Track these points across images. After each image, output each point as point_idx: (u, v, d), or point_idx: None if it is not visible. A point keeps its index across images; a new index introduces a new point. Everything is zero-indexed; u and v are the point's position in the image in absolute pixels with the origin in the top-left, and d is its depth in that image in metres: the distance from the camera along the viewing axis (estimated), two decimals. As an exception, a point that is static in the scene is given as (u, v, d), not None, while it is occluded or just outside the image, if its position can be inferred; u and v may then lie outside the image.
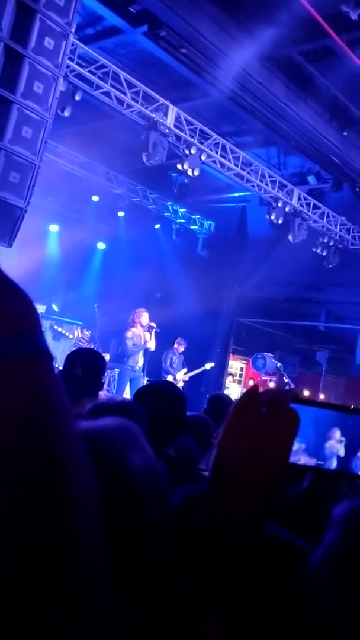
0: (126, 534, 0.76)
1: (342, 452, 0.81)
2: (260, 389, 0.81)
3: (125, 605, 0.77)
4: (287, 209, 10.77)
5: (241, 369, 15.75)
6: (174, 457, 2.42)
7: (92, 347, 10.97)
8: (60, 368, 2.99)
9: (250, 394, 0.80)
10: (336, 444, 0.81)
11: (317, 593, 1.19)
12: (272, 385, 13.90)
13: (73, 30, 5.78)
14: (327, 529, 1.38)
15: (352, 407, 0.83)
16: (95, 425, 0.83)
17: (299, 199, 11.05)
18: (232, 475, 0.76)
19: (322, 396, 14.95)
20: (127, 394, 9.75)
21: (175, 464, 2.39)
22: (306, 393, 14.77)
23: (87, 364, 2.83)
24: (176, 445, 2.52)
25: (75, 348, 9.93)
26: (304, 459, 0.77)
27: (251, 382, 15.12)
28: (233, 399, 6.29)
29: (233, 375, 15.38)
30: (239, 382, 15.62)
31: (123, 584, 0.75)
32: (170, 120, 8.76)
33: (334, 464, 0.81)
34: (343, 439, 0.82)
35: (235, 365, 15.49)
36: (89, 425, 0.83)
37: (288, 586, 1.15)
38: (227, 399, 5.40)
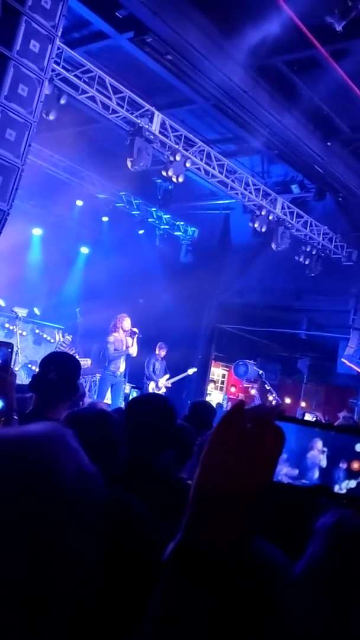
0: (53, 544, 0.76)
1: (324, 463, 0.80)
2: (246, 405, 0.80)
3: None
4: (270, 217, 10.83)
5: (223, 376, 15.78)
6: (158, 467, 2.42)
7: (73, 351, 10.90)
8: (35, 373, 2.96)
9: (236, 410, 0.78)
10: (318, 455, 0.81)
11: (299, 607, 1.18)
12: (253, 392, 13.95)
13: (59, 33, 5.77)
14: (308, 540, 1.37)
15: (335, 425, 0.82)
16: (25, 432, 0.82)
17: (283, 208, 11.13)
18: (215, 493, 0.74)
19: (303, 404, 15.03)
20: (107, 400, 9.70)
21: (160, 474, 2.38)
22: (287, 400, 14.83)
23: (61, 368, 2.81)
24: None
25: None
26: (285, 469, 0.76)
27: (233, 389, 15.16)
28: (214, 405, 6.30)
29: (215, 382, 15.40)
30: (221, 388, 15.64)
31: (51, 586, 0.75)
32: (155, 127, 8.77)
33: (315, 474, 0.81)
34: (325, 449, 0.81)
35: (217, 371, 15.52)
36: (19, 432, 0.82)
37: (270, 602, 1.13)
38: (208, 405, 5.39)
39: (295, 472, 0.80)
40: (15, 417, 2.27)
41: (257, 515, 0.74)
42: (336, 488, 0.82)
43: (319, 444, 0.80)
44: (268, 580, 1.30)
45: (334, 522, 1.38)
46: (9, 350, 2.32)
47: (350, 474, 0.81)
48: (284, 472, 0.77)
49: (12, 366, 2.35)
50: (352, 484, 0.81)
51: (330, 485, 0.82)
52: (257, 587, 1.20)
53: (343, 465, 0.81)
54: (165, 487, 2.13)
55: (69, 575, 0.76)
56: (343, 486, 0.82)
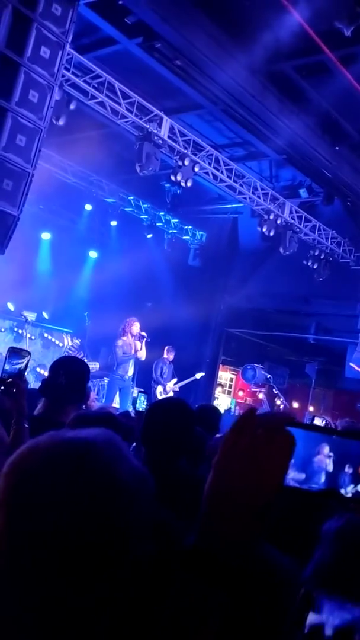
0: (114, 543, 0.78)
1: (330, 468, 0.82)
2: (257, 411, 0.82)
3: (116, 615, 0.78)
4: (278, 222, 10.84)
5: (231, 380, 15.77)
6: (177, 468, 2.44)
7: (81, 355, 10.95)
8: (45, 377, 2.99)
9: (247, 416, 0.81)
10: (324, 459, 0.82)
11: (305, 609, 1.19)
12: (261, 396, 13.93)
13: (69, 40, 5.82)
14: (315, 544, 1.38)
15: (346, 432, 0.84)
16: (80, 437, 0.84)
17: (291, 212, 11.13)
18: (227, 496, 0.77)
19: (311, 408, 14.99)
20: (116, 404, 9.72)
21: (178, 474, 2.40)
22: (295, 405, 14.80)
23: (70, 372, 2.84)
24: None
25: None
26: (292, 474, 0.78)
27: (240, 393, 15.15)
28: (222, 410, 6.31)
29: (222, 386, 15.38)
30: (229, 392, 15.62)
31: (110, 588, 0.77)
32: (164, 132, 8.81)
33: (322, 478, 0.82)
34: (332, 454, 0.83)
35: (225, 375, 15.50)
36: (74, 436, 0.85)
37: (279, 608, 1.15)
38: (214, 409, 5.41)
39: (302, 476, 0.81)
40: (27, 425, 2.29)
41: (267, 518, 0.76)
42: (342, 492, 0.84)
43: (325, 449, 0.82)
44: (276, 586, 1.31)
45: (340, 527, 1.39)
46: (27, 357, 2.37)
47: (357, 479, 0.83)
48: (291, 476, 0.78)
49: (26, 374, 2.39)
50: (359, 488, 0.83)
51: (336, 489, 0.84)
52: (265, 593, 1.21)
53: (349, 470, 0.83)
54: (187, 488, 2.15)
55: (128, 571, 0.78)
56: (349, 490, 0.84)
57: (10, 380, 2.31)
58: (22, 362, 2.35)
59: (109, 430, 0.90)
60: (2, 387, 2.30)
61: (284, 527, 1.63)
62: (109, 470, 0.81)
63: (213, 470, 0.79)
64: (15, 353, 2.38)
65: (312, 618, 0.80)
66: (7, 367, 2.34)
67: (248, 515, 0.76)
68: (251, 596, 1.00)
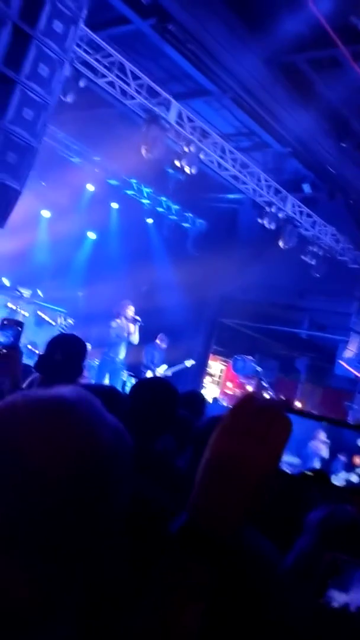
0: (95, 501, 0.78)
1: (325, 454, 0.83)
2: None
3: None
4: (279, 215, 10.82)
5: (220, 370, 15.81)
6: (160, 453, 2.45)
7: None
8: (41, 353, 2.99)
9: (247, 399, 0.83)
10: (320, 445, 0.84)
11: (287, 598, 1.21)
12: (249, 388, 13.98)
13: (83, 15, 5.76)
14: (298, 533, 1.40)
15: (341, 421, 0.85)
16: (56, 395, 0.84)
17: (292, 206, 11.11)
18: (222, 476, 0.78)
19: (299, 403, 15.07)
20: (105, 385, 9.73)
21: (161, 460, 2.41)
22: (282, 398, 14.85)
23: (67, 350, 2.84)
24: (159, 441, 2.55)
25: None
26: (286, 457, 0.80)
27: (229, 384, 15.21)
28: (210, 399, 6.34)
29: (212, 376, 15.43)
30: (217, 383, 15.68)
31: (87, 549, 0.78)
32: (172, 116, 8.74)
33: (316, 464, 0.83)
34: (328, 441, 0.84)
35: (215, 365, 15.55)
36: (50, 394, 0.84)
37: (255, 593, 1.16)
38: (200, 395, 5.43)
39: (297, 460, 0.83)
40: None
41: (260, 500, 0.78)
42: (333, 479, 0.86)
43: (321, 435, 0.83)
44: (255, 572, 1.33)
45: (323, 517, 1.41)
46: (20, 329, 2.37)
47: (350, 467, 0.84)
48: (285, 459, 0.80)
49: (20, 345, 2.40)
50: (352, 477, 0.84)
51: (327, 473, 0.85)
52: (244, 579, 1.23)
53: (343, 458, 0.84)
54: (164, 472, 2.17)
55: (108, 531, 0.79)
56: (340, 477, 0.85)
57: (4, 351, 2.32)
58: (15, 333, 2.36)
59: (79, 387, 0.90)
60: None
61: (269, 512, 1.65)
62: (89, 425, 0.81)
63: (209, 449, 0.80)
64: (7, 324, 2.39)
65: (339, 596, 0.81)
66: (0, 338, 2.34)
67: (241, 495, 0.77)
68: (231, 579, 1.02)
